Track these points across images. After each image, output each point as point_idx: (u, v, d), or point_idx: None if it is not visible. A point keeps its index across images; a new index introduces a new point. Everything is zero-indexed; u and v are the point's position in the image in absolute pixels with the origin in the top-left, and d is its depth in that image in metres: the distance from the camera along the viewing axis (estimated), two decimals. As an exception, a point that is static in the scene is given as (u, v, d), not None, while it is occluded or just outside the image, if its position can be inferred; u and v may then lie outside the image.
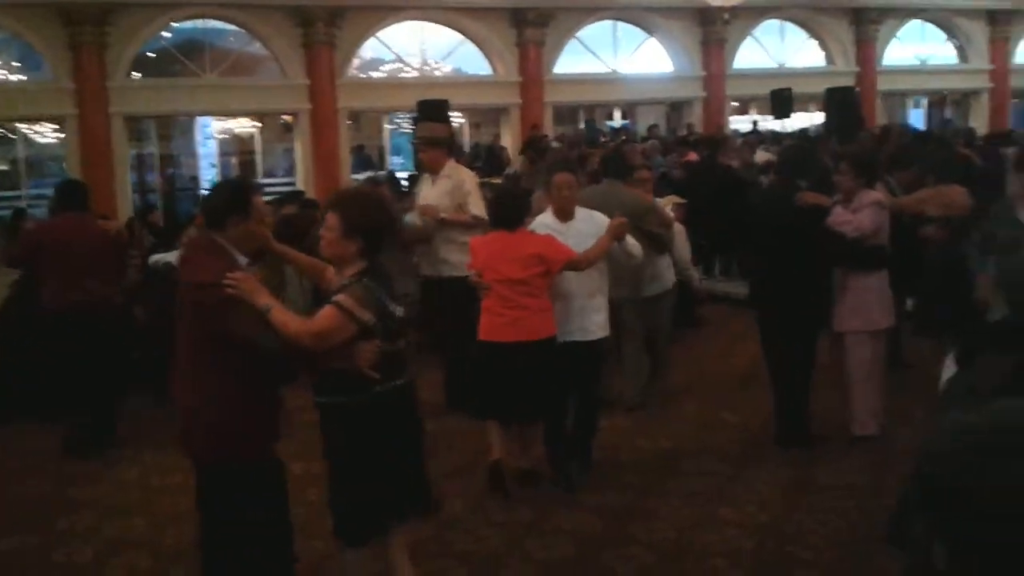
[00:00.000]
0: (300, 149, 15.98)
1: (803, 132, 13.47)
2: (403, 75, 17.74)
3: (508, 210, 4.90)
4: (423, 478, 3.50)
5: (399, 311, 3.35)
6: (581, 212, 5.09)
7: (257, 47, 16.14)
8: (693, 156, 10.24)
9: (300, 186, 14.94)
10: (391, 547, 3.47)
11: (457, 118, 17.67)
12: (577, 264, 4.77)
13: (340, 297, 3.22)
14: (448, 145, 6.61)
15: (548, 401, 4.82)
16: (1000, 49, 20.48)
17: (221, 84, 15.60)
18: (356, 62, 16.98)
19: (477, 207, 6.12)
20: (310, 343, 3.15)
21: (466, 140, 18.11)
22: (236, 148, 18.52)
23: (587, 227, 4.98)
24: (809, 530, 4.30)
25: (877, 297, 5.23)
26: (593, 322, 4.95)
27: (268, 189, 13.98)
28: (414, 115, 13.82)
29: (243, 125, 17.81)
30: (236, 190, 3.49)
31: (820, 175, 6.01)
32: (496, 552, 4.24)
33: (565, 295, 4.91)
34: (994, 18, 20.22)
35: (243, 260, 3.31)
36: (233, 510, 3.28)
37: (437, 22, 17.25)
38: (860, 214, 5.10)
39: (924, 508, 1.23)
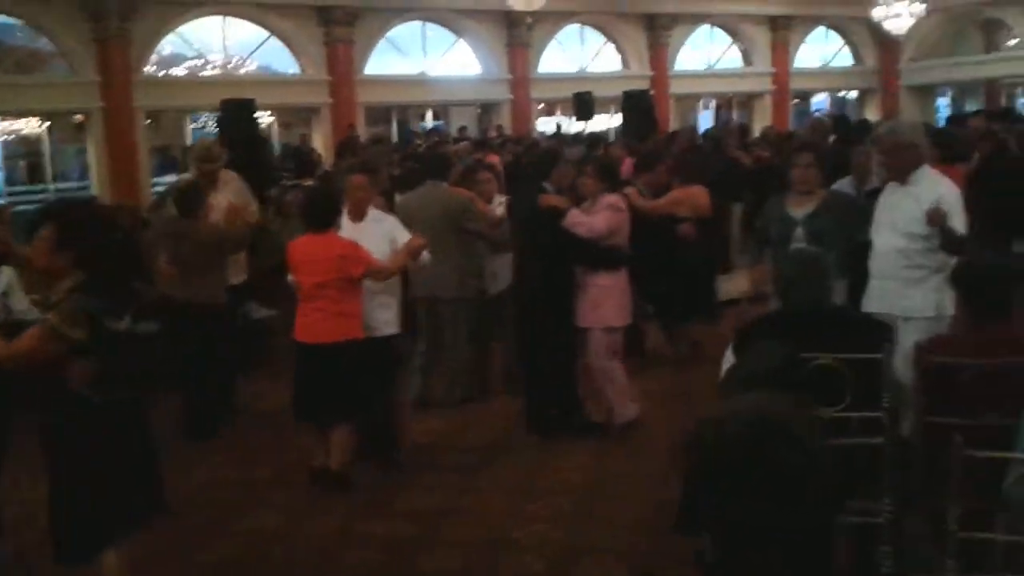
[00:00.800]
0: (94, 151, 15.14)
1: (592, 134, 14.12)
2: (205, 72, 17.14)
3: (318, 212, 4.97)
4: (150, 492, 3.50)
5: (123, 325, 3.28)
6: (374, 213, 5.27)
7: (45, 42, 15.14)
8: (495, 158, 10.49)
9: (95, 190, 14.16)
10: (108, 560, 3.39)
11: (265, 117, 17.28)
12: (377, 275, 4.94)
13: (49, 315, 3.22)
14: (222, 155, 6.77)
15: (350, 403, 4.89)
16: (781, 54, 22.14)
17: (7, 82, 14.54)
18: (154, 58, 16.27)
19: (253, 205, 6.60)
20: (12, 364, 3.20)
21: (275, 140, 17.73)
22: (23, 150, 17.27)
23: (378, 228, 5.17)
24: (611, 517, 4.54)
25: (613, 295, 5.46)
26: (377, 319, 5.12)
27: (62, 194, 13.17)
28: (218, 114, 13.43)
29: (32, 126, 16.63)
30: None
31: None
32: (311, 562, 4.27)
33: None
34: (776, 24, 21.83)
35: None
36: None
37: (241, 17, 16.80)
38: (595, 216, 5.38)
39: (698, 493, 1.38)
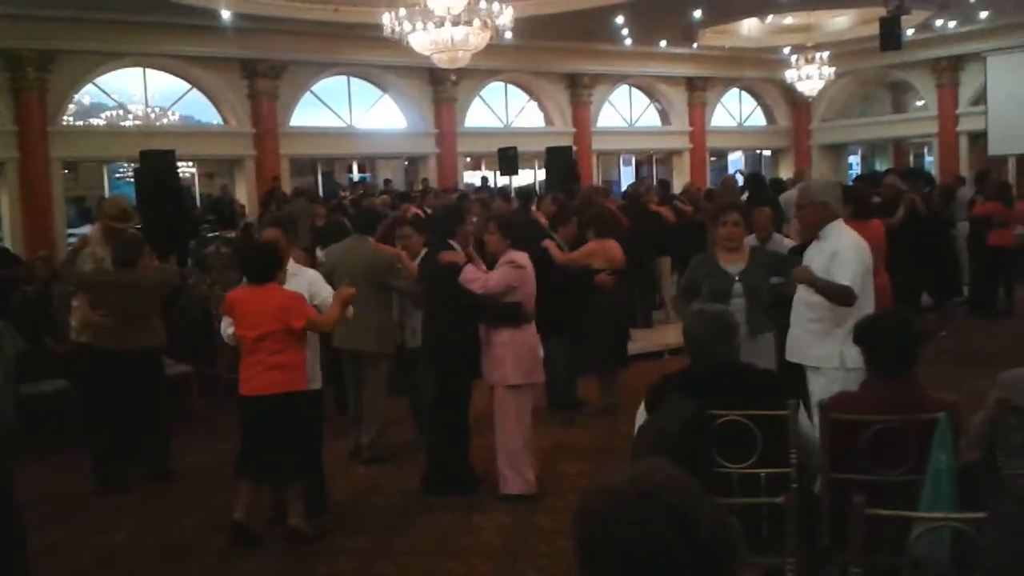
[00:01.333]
0: (7, 201, 14.73)
1: (502, 189, 14.43)
2: (125, 123, 16.90)
3: (253, 264, 4.94)
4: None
5: None
6: (291, 267, 5.22)
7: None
8: (415, 210, 10.57)
9: (7, 241, 13.77)
10: None
11: (186, 168, 17.08)
12: (316, 326, 4.95)
13: None
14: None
15: (299, 458, 4.84)
16: (698, 113, 22.85)
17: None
18: (73, 108, 15.99)
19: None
20: None
21: (196, 191, 17.52)
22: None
23: (294, 282, 5.09)
24: None
25: (513, 353, 5.36)
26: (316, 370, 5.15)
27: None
28: (136, 165, 13.26)
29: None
30: None
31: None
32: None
33: None
34: (692, 85, 22.56)
35: None
36: None
37: (162, 70, 16.63)
38: (493, 272, 5.43)
39: (582, 566, 1.35)
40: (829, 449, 3.28)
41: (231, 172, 17.86)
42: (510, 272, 5.37)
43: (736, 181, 12.64)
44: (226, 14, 14.38)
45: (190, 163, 17.61)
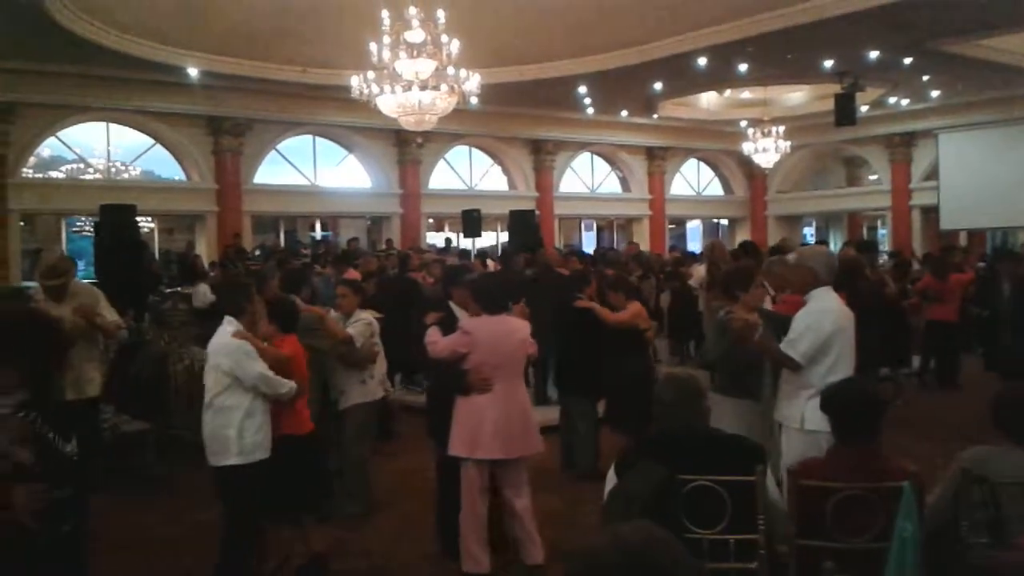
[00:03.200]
0: (-38, 252, 14.50)
1: (480, 251, 14.54)
2: (86, 176, 16.77)
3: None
4: None
5: (71, 448, 2.94)
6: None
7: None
8: (354, 274, 10.32)
9: (-40, 293, 13.43)
10: None
11: (146, 223, 16.95)
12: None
13: None
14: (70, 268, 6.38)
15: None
16: (657, 181, 23.30)
17: None
18: (32, 160, 15.85)
19: (112, 315, 6.22)
20: None
21: (156, 247, 17.36)
22: None
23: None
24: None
25: (456, 422, 5.12)
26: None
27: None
28: (95, 219, 13.14)
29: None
30: None
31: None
32: None
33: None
34: (652, 154, 23.03)
35: None
36: None
37: (126, 124, 16.59)
38: (444, 337, 5.25)
39: None
40: (796, 515, 3.30)
41: (192, 228, 17.75)
42: (456, 338, 5.17)
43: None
44: (194, 72, 14.46)
45: (150, 218, 17.49)
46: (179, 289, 12.76)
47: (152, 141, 17.06)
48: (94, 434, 6.13)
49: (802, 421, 4.46)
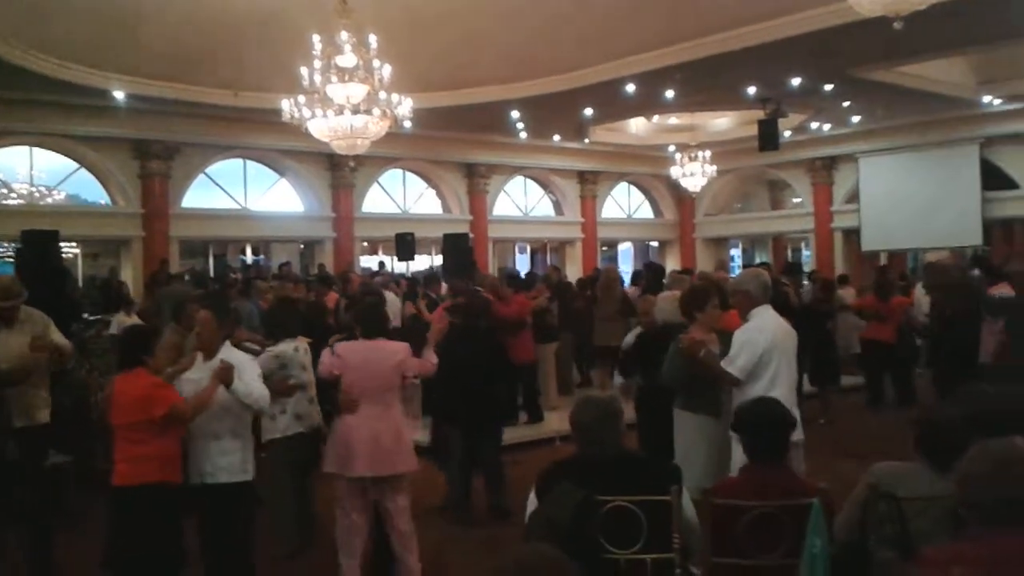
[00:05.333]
0: None
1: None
2: (7, 202, 16.34)
3: (125, 349, 4.83)
4: None
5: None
6: (225, 351, 5.02)
7: None
8: (333, 297, 10.42)
9: None
10: None
11: (70, 248, 16.55)
12: (183, 414, 4.66)
13: None
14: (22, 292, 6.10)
15: (137, 555, 4.58)
16: (589, 205, 23.58)
17: None
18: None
19: (61, 338, 5.98)
20: None
21: (79, 272, 16.96)
22: None
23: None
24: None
25: (331, 441, 5.41)
26: (216, 465, 4.86)
27: None
28: (17, 245, 12.81)
29: None
30: None
31: None
32: None
33: (191, 436, 4.87)
34: (583, 178, 23.33)
35: None
36: None
37: (50, 148, 16.22)
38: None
39: None
40: (711, 534, 3.39)
41: (117, 253, 17.37)
42: (327, 360, 5.46)
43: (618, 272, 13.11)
44: (120, 95, 14.22)
45: (74, 243, 17.09)
46: (102, 317, 12.48)
47: (76, 165, 16.69)
48: (41, 461, 5.92)
49: None
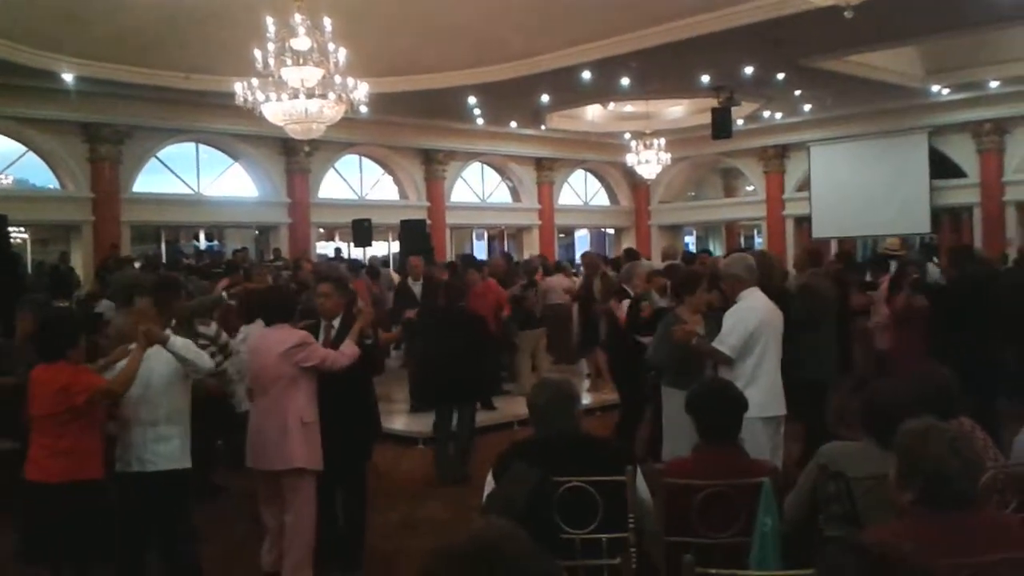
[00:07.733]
0: None
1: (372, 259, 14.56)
2: (-49, 186, 15.97)
3: (46, 340, 4.56)
4: None
5: None
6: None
7: None
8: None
9: None
10: None
11: (19, 234, 16.22)
12: (110, 391, 4.47)
13: None
14: None
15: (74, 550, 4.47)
16: (546, 191, 23.65)
17: None
18: None
19: None
20: None
21: (28, 258, 16.61)
22: None
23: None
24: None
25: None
26: (155, 452, 4.64)
27: None
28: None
29: None
30: None
31: None
32: None
33: (125, 423, 4.66)
34: (540, 165, 23.37)
35: None
36: None
37: (-4, 131, 15.86)
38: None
39: None
40: (665, 513, 3.46)
41: (67, 238, 17.05)
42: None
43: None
44: (68, 77, 13.93)
45: (22, 228, 16.74)
46: (53, 302, 12.24)
47: (25, 148, 16.33)
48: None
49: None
